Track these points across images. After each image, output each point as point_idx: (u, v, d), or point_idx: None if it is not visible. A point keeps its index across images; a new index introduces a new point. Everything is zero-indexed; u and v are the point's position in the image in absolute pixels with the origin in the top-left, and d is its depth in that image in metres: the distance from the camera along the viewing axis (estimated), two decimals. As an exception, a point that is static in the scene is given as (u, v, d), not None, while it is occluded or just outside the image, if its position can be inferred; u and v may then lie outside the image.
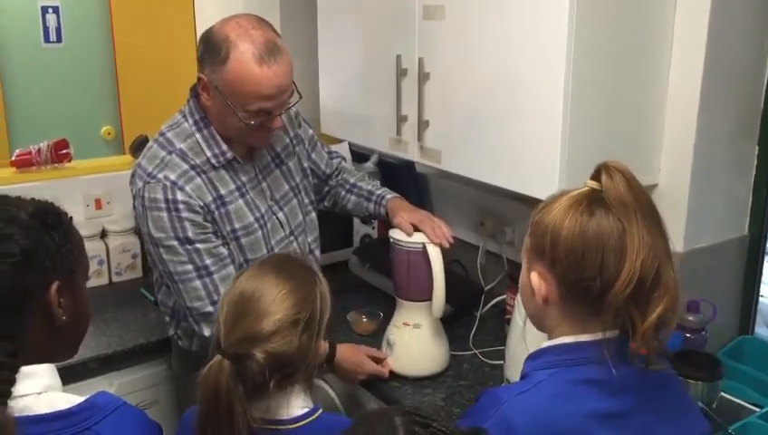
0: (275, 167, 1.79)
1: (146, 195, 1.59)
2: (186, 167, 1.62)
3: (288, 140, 1.83)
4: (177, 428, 1.33)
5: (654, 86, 1.74)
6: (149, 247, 1.66)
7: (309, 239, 1.85)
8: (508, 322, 1.83)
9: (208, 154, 1.64)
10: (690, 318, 1.74)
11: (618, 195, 1.01)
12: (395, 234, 1.79)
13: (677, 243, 1.80)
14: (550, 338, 1.11)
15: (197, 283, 1.61)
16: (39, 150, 2.29)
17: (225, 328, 1.18)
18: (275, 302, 1.17)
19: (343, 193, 1.99)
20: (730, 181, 1.86)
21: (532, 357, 1.12)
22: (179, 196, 1.58)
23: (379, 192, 1.95)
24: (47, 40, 3.39)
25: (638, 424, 1.05)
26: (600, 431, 1.02)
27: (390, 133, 2.04)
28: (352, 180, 1.99)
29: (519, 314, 1.56)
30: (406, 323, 1.79)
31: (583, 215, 1.02)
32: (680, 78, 1.74)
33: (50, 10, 3.37)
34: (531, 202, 1.43)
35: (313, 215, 1.89)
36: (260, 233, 1.71)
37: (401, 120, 1.99)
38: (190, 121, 1.67)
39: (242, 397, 1.10)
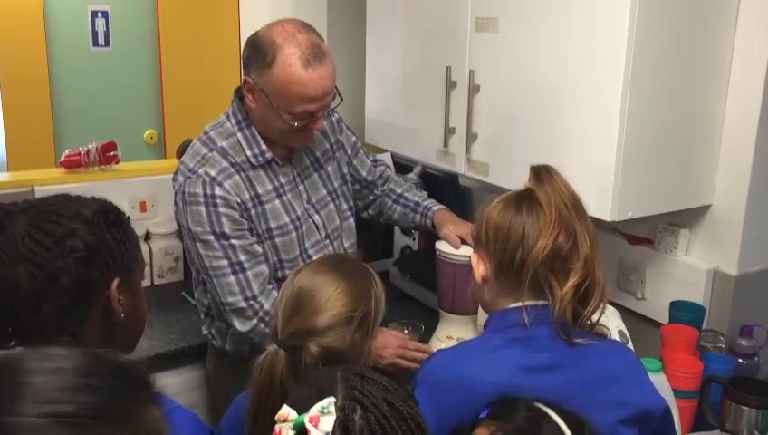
0: (314, 170, 1.81)
1: (186, 189, 1.64)
2: (225, 164, 1.66)
3: (328, 145, 1.85)
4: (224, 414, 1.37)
5: (711, 107, 1.71)
6: (188, 242, 1.71)
7: (345, 244, 1.86)
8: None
9: (248, 153, 1.68)
10: (743, 343, 1.69)
11: (543, 191, 1.22)
12: (441, 246, 1.77)
13: (731, 266, 1.76)
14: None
15: (231, 278, 1.64)
16: (88, 152, 2.32)
17: (283, 320, 1.21)
18: (331, 299, 1.20)
19: (389, 203, 1.98)
20: (787, 204, 1.81)
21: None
22: (218, 191, 1.62)
23: (425, 203, 1.93)
24: (95, 44, 3.45)
25: (564, 381, 1.15)
26: (528, 382, 1.12)
27: (437, 145, 2.03)
28: (399, 190, 1.99)
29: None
30: (449, 337, 1.77)
31: (512, 207, 1.23)
32: (738, 99, 1.70)
33: (99, 15, 3.43)
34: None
35: (351, 221, 1.89)
36: (294, 234, 1.73)
37: (449, 131, 1.98)
38: (233, 121, 1.71)
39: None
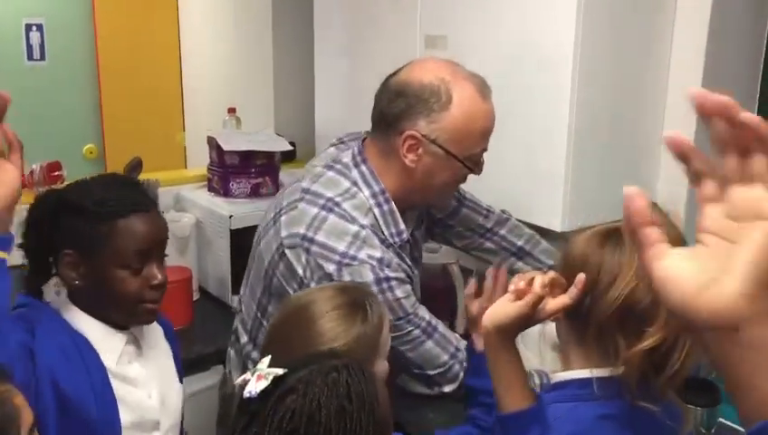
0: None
1: (347, 279, 1.38)
2: (378, 242, 1.42)
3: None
4: None
5: (651, 120, 1.81)
6: None
7: None
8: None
9: (386, 233, 1.45)
10: (686, 343, 1.78)
11: None
12: None
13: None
14: (564, 363, 1.14)
15: (429, 343, 1.44)
16: (32, 172, 2.26)
17: (264, 341, 1.21)
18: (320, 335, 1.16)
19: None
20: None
21: (553, 388, 1.15)
22: (390, 273, 1.39)
23: None
24: (30, 58, 3.35)
25: None
26: None
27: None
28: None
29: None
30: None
31: (594, 243, 1.07)
32: (675, 114, 1.81)
33: (34, 28, 3.34)
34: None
35: None
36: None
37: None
38: (366, 193, 1.45)
39: None
